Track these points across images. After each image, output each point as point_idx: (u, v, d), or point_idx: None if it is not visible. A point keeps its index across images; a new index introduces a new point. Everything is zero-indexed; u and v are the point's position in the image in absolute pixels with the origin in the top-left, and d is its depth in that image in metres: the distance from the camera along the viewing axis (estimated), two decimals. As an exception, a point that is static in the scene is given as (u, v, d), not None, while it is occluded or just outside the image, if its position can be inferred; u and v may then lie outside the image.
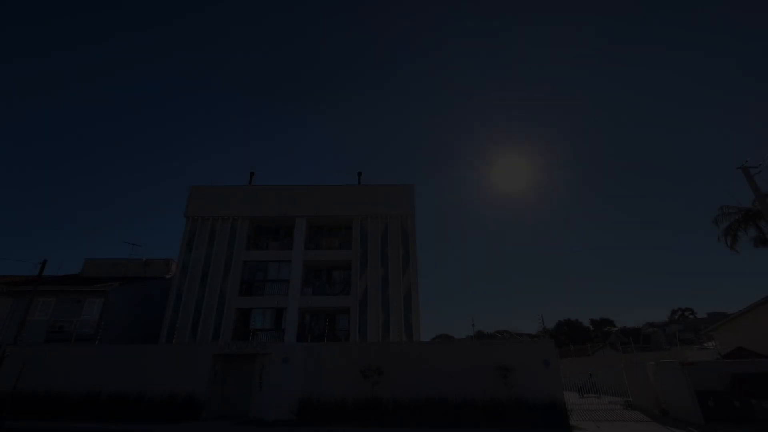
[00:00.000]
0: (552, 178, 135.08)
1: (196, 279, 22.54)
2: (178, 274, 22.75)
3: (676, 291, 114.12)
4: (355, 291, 22.16)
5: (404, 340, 20.08)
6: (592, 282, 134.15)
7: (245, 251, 23.57)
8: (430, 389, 13.66)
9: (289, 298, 22.01)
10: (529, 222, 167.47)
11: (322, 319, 23.02)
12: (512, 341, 16.10)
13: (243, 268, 23.31)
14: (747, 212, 18.77)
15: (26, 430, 10.93)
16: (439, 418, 13.00)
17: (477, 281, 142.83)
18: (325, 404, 13.56)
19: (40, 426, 11.67)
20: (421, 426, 12.00)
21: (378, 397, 13.47)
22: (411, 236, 23.59)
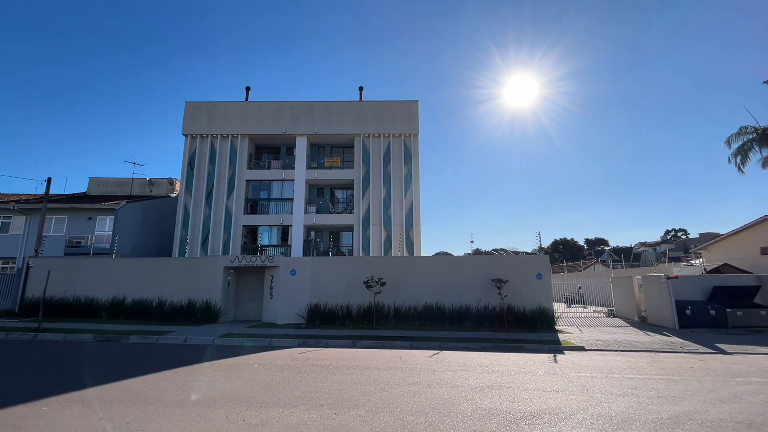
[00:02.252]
0: (558, 95, 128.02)
1: (201, 197, 22.87)
2: (183, 193, 23.05)
3: (671, 213, 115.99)
4: (358, 209, 22.60)
5: (405, 255, 21.01)
6: (591, 202, 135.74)
7: (247, 170, 23.53)
8: (428, 299, 14.70)
9: (294, 217, 22.57)
10: (533, 140, 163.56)
11: (326, 236, 23.87)
12: (507, 256, 16.87)
13: (246, 187, 23.51)
14: (764, 131, 18.12)
15: (61, 330, 12.11)
16: (437, 323, 14.25)
17: (478, 202, 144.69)
18: (332, 311, 14.74)
19: (73, 327, 12.89)
20: (420, 329, 13.17)
21: (380, 305, 14.57)
22: (414, 155, 23.26)
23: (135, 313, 15.41)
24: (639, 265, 41.76)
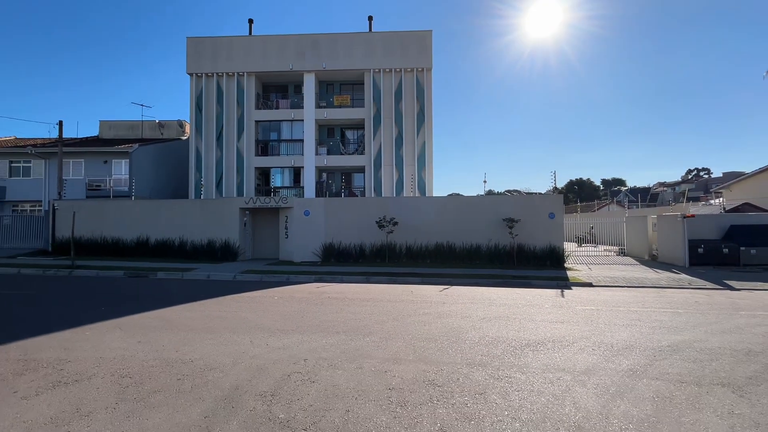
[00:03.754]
0: (585, 19, 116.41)
1: (211, 139, 22.75)
2: (194, 135, 22.92)
3: (695, 151, 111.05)
4: (369, 150, 22.27)
5: (417, 195, 21.02)
6: (610, 141, 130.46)
7: (256, 110, 23.01)
8: (440, 238, 14.97)
9: (305, 158, 22.44)
10: (554, 74, 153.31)
11: (338, 178, 23.89)
12: (519, 196, 16.75)
13: (256, 128, 23.19)
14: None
15: (93, 266, 12.93)
16: (448, 261, 14.65)
17: (493, 142, 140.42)
18: (346, 249, 15.22)
19: (103, 264, 13.72)
20: (431, 266, 13.60)
21: (393, 243, 14.94)
22: (427, 91, 22.24)
23: (159, 252, 16.22)
24: (656, 205, 41.12)
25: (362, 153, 22.91)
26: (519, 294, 8.96)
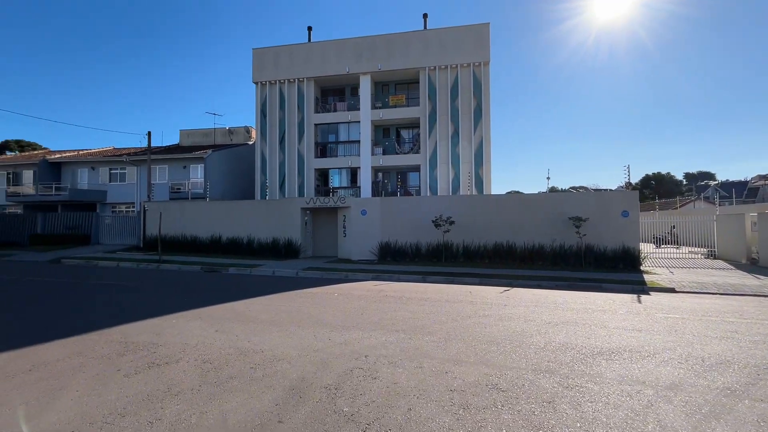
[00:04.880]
0: (661, 4, 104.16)
1: (275, 143, 24.12)
2: (259, 140, 24.48)
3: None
4: (425, 149, 22.15)
5: (475, 194, 20.48)
6: (694, 132, 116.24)
7: (315, 114, 23.96)
8: (499, 237, 14.46)
9: (362, 158, 22.92)
10: (624, 60, 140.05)
11: (393, 177, 24.07)
12: (587, 193, 15.55)
13: (315, 131, 24.15)
14: None
15: (176, 261, 14.40)
16: (508, 261, 14.10)
17: (555, 136, 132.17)
18: (401, 249, 15.30)
19: (184, 259, 15.20)
20: (489, 267, 13.18)
21: (449, 243, 14.72)
22: (484, 86, 21.57)
23: (230, 249, 17.59)
24: (755, 201, 35.91)
25: (417, 152, 22.86)
26: (588, 298, 8.35)
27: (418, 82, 22.94)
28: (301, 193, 23.38)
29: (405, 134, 24.41)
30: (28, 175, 27.56)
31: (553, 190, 22.50)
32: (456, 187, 21.63)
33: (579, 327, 5.85)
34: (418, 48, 22.27)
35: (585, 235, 13.11)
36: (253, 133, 29.72)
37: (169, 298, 8.23)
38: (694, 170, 72.29)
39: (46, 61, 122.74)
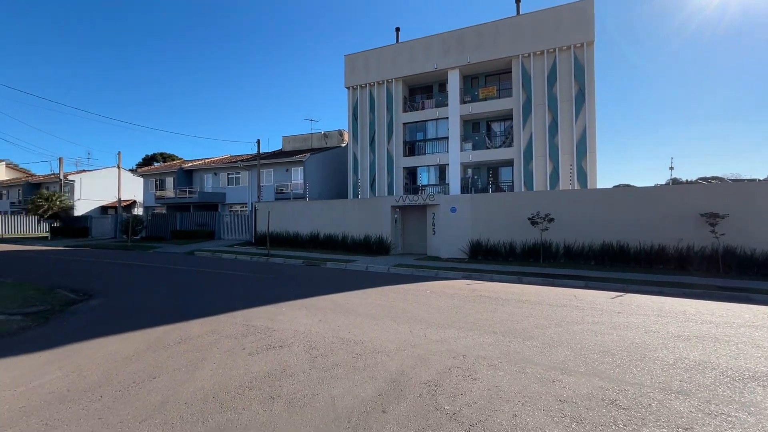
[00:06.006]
0: None
1: (365, 144, 25.11)
2: (351, 142, 25.75)
3: None
4: (518, 141, 20.87)
5: (577, 188, 18.64)
6: None
7: (403, 113, 24.31)
8: (607, 236, 12.95)
9: (450, 155, 22.56)
10: (752, 29, 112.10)
11: (484, 173, 23.21)
12: (722, 184, 12.88)
13: (403, 130, 24.51)
14: None
15: (282, 256, 16.00)
16: (618, 264, 12.55)
17: (676, 119, 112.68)
18: (494, 247, 14.67)
19: (288, 254, 16.79)
20: (596, 269, 11.87)
21: (548, 242, 13.66)
22: (588, 69, 19.46)
23: (327, 245, 18.90)
24: None
25: (510, 145, 21.66)
26: (730, 310, 6.97)
27: (510, 72, 21.69)
28: (390, 192, 23.97)
29: (496, 127, 23.31)
30: (169, 181, 33.29)
31: (675, 181, 19.22)
32: (555, 181, 19.94)
33: (720, 344, 4.92)
34: (510, 35, 21.05)
35: (723, 234, 10.97)
36: (346, 136, 31.44)
37: (278, 288, 9.17)
38: None
39: (177, 79, 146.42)
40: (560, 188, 19.39)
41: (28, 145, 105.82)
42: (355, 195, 24.70)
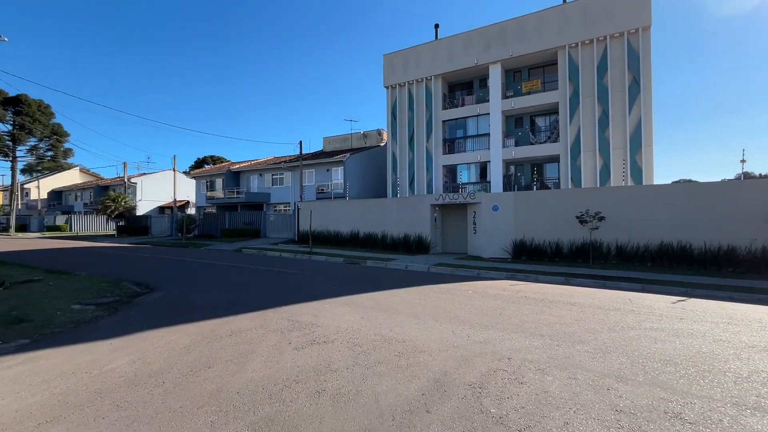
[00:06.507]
0: None
1: (404, 143, 25.08)
2: (390, 141, 25.82)
3: None
4: (565, 136, 19.90)
5: (630, 185, 17.44)
6: None
7: (442, 111, 23.99)
8: (666, 236, 12.01)
9: (491, 152, 21.97)
10: None
11: (527, 170, 22.37)
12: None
13: (443, 128, 24.20)
14: None
15: (323, 254, 16.40)
16: (679, 265, 11.59)
17: (747, 104, 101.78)
18: (539, 247, 14.09)
19: (329, 252, 17.17)
20: (652, 271, 11.03)
21: (598, 242, 12.91)
22: (644, 56, 18.14)
23: (366, 244, 19.11)
24: None
25: (555, 140, 20.68)
26: (817, 319, 6.20)
27: (556, 64, 20.69)
28: (429, 190, 23.76)
29: (540, 122, 22.36)
30: (219, 182, 35.22)
31: (747, 176, 17.38)
32: (605, 177, 18.79)
33: (805, 357, 4.39)
34: (555, 25, 20.09)
35: (807, 234, 9.79)
36: (385, 135, 31.58)
37: (320, 285, 9.40)
38: None
39: (226, 85, 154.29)
40: (611, 185, 18.25)
41: (98, 151, 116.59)
42: (394, 194, 24.75)
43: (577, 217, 12.96)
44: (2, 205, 57.94)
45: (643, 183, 17.64)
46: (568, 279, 10.24)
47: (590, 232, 12.82)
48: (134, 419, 3.06)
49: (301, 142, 26.80)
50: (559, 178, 20.46)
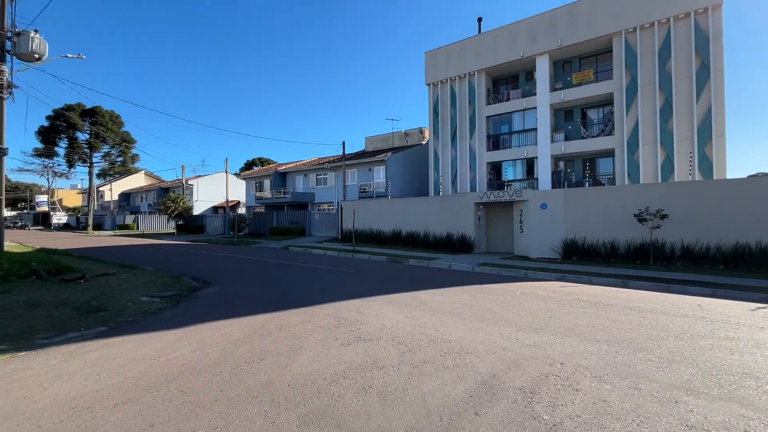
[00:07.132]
0: None
1: (447, 140, 24.72)
2: (432, 138, 25.57)
3: None
4: (621, 129, 18.60)
5: (698, 179, 15.93)
6: None
7: (486, 106, 23.36)
8: (741, 236, 10.84)
9: (539, 147, 21.07)
10: None
11: (578, 165, 21.19)
12: None
13: (487, 124, 23.56)
14: None
15: (366, 252, 16.60)
16: (758, 269, 10.41)
17: None
18: (592, 247, 13.29)
19: (372, 250, 17.34)
20: (725, 274, 9.99)
21: (659, 242, 11.92)
22: (715, 38, 16.49)
23: (408, 242, 19.08)
24: None
25: (610, 133, 19.38)
26: None
27: (610, 51, 19.38)
28: (472, 188, 23.24)
29: (593, 114, 21.07)
30: (267, 183, 36.84)
31: None
32: (668, 171, 17.31)
33: None
34: (610, 10, 18.81)
35: None
36: (426, 133, 31.30)
37: (364, 283, 9.53)
38: None
39: (276, 90, 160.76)
40: (675, 179, 16.79)
41: (160, 155, 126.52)
42: (437, 192, 24.49)
43: (636, 215, 12.06)
44: (81, 206, 64.85)
45: (714, 177, 16.05)
46: (626, 281, 9.55)
47: (651, 231, 11.88)
48: (197, 404, 3.28)
49: (344, 142, 27.28)
50: (614, 174, 19.18)
